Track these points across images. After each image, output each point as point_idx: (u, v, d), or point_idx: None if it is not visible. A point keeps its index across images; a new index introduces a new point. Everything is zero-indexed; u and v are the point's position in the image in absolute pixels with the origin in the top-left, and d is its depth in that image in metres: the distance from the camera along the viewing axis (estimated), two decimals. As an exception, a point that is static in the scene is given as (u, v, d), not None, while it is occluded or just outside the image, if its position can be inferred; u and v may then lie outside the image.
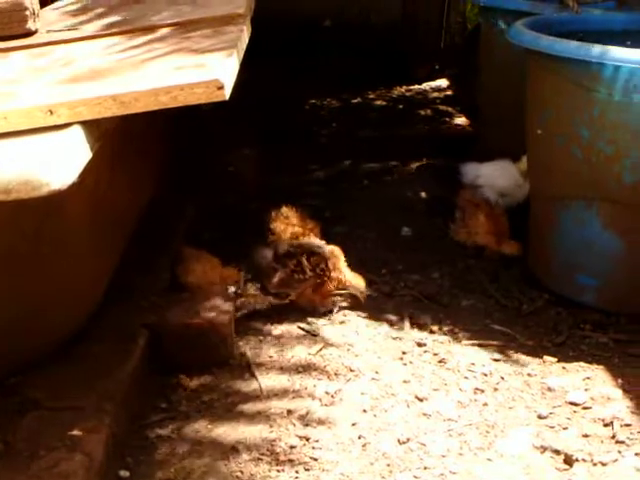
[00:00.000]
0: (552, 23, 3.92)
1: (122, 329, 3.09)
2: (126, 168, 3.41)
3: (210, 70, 2.48)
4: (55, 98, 2.34)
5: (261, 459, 2.72)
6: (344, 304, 3.58)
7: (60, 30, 3.47)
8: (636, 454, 2.74)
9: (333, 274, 3.50)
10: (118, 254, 3.34)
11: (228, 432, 2.85)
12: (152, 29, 3.33)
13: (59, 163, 2.07)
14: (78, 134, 2.26)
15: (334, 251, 3.56)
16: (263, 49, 5.77)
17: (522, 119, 3.85)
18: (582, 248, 3.56)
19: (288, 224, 3.77)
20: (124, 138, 3.11)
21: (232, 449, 2.76)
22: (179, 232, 3.97)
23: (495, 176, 4.35)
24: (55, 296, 2.75)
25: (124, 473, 2.65)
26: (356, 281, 3.59)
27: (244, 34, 3.08)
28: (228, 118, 5.31)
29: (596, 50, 3.26)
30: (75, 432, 2.55)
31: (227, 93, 2.38)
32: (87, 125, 2.31)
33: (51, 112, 2.28)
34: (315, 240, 3.60)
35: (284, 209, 3.83)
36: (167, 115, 2.81)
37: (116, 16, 3.67)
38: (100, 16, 3.72)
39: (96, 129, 2.36)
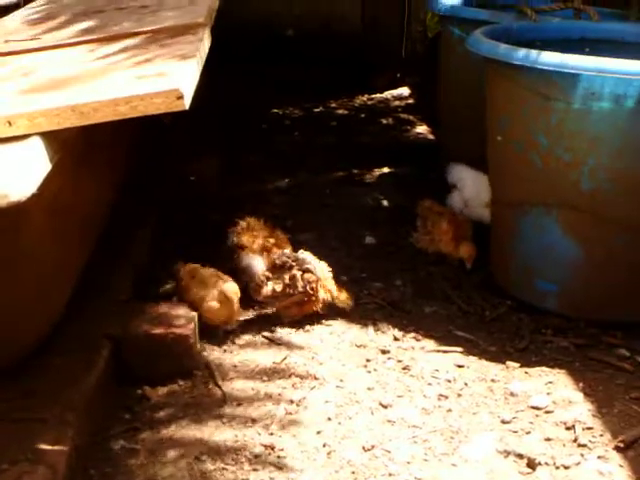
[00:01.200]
0: (510, 32, 3.96)
1: (85, 340, 3.07)
2: (88, 177, 3.40)
3: (170, 79, 2.48)
4: (14, 109, 2.32)
5: (226, 468, 2.71)
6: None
7: (20, 40, 3.45)
8: (598, 457, 2.77)
9: (321, 294, 3.51)
10: (81, 264, 3.32)
11: (192, 442, 2.85)
12: (113, 39, 3.32)
13: (18, 175, 2.06)
14: (37, 145, 2.25)
15: (324, 270, 3.56)
16: (225, 58, 5.79)
17: (482, 127, 3.89)
18: (542, 254, 3.60)
19: (255, 236, 3.76)
20: (86, 147, 3.10)
21: (196, 459, 2.76)
22: (143, 241, 3.96)
23: (469, 184, 4.35)
24: (18, 307, 2.72)
25: (88, 485, 2.64)
26: (343, 297, 3.59)
27: (204, 43, 3.09)
28: (190, 127, 5.30)
29: (554, 58, 3.31)
30: (38, 445, 2.52)
31: (187, 103, 2.38)
32: (46, 136, 2.30)
33: (10, 123, 2.26)
34: (307, 255, 3.58)
35: (249, 220, 3.82)
36: (130, 124, 2.80)
37: (77, 26, 3.66)
38: (61, 26, 3.71)
39: (55, 140, 2.35)
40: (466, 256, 3.95)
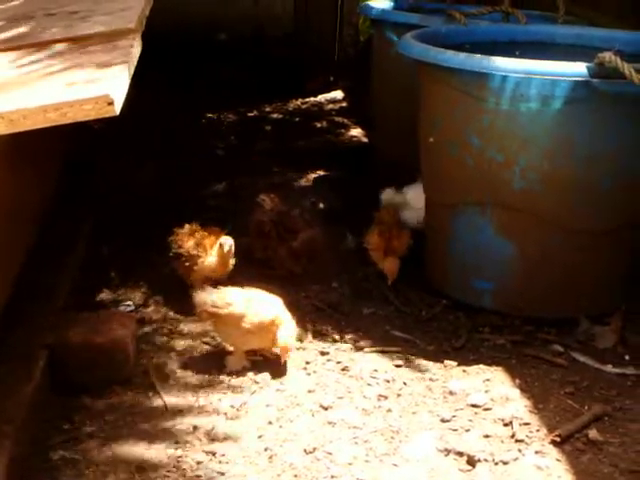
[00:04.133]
0: (441, 35, 4.01)
1: (22, 350, 3.03)
2: (19, 184, 3.36)
3: (100, 86, 2.45)
4: (-57, 117, 2.28)
5: (168, 476, 2.70)
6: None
7: (-53, 48, 3.38)
8: (536, 452, 2.82)
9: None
10: (14, 273, 3.27)
11: (134, 451, 2.83)
12: (43, 45, 3.28)
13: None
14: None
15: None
16: (156, 64, 5.75)
17: (415, 129, 3.93)
18: (477, 253, 3.65)
19: (193, 238, 3.75)
20: (16, 155, 3.06)
21: (138, 468, 2.74)
22: (78, 249, 3.92)
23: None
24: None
25: (28, 497, 2.61)
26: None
27: (135, 49, 3.06)
28: (124, 133, 5.26)
29: (483, 61, 3.36)
30: (-25, 458, 2.49)
31: (117, 108, 2.36)
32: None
33: (-61, 131, 2.22)
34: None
35: (187, 226, 3.80)
36: (62, 130, 2.77)
37: (5, 32, 3.60)
38: (-12, 33, 3.64)
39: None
40: (388, 272, 3.94)
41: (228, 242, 3.66)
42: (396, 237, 3.97)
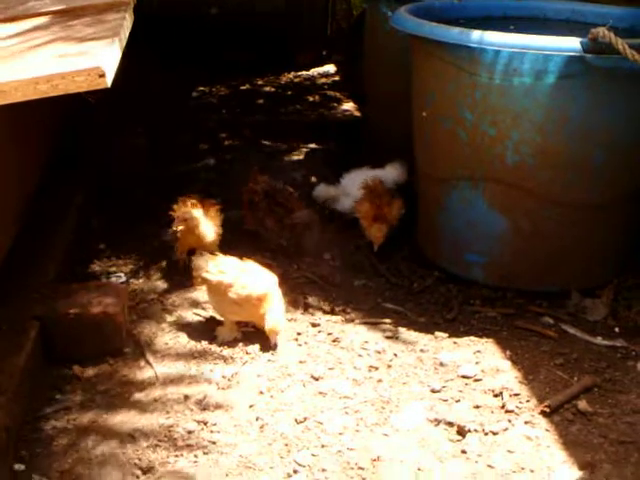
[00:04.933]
0: (434, 9, 4.00)
1: (13, 322, 3.03)
2: (10, 157, 3.35)
3: (92, 58, 2.44)
4: None
5: (159, 445, 2.72)
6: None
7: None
8: (525, 422, 2.84)
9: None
10: (4, 246, 3.27)
11: (125, 420, 2.84)
12: (34, 16, 3.26)
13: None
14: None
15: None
16: (148, 38, 5.72)
17: (408, 103, 3.92)
18: (469, 227, 3.66)
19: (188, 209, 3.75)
20: (7, 126, 3.05)
21: (129, 437, 2.75)
22: (69, 222, 3.91)
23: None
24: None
25: (19, 467, 2.61)
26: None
27: (127, 22, 3.04)
28: (116, 107, 5.24)
29: (476, 35, 3.35)
30: (-33, 427, 2.50)
31: (109, 81, 2.35)
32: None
33: None
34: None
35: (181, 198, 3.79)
36: (54, 102, 2.76)
37: (-4, 3, 3.58)
38: (-22, 3, 3.62)
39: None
40: (373, 238, 3.95)
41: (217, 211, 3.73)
42: (387, 205, 3.97)
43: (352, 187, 4.29)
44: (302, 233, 3.99)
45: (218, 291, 3.28)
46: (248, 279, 3.28)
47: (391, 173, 4.38)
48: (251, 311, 3.26)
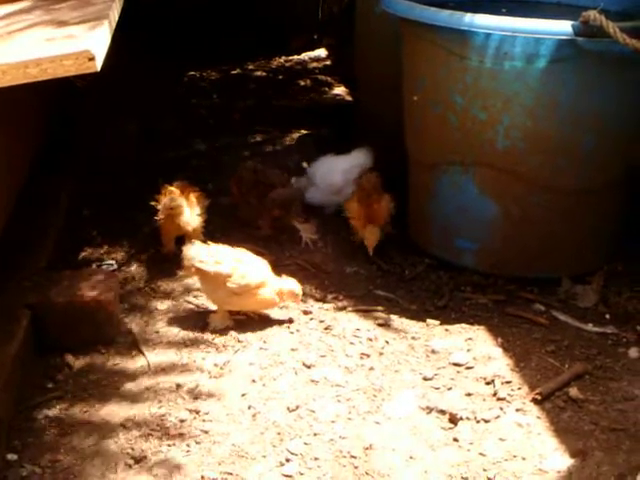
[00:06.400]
0: (425, -8, 3.97)
1: (4, 310, 3.02)
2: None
3: (81, 41, 2.42)
4: None
5: (151, 434, 2.72)
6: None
7: None
8: (517, 410, 2.85)
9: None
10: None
11: (117, 410, 2.84)
12: (16, 0, 3.23)
13: None
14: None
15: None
16: (139, 22, 5.68)
17: (399, 88, 3.90)
18: (459, 212, 3.65)
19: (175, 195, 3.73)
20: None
21: (121, 426, 2.75)
22: (60, 209, 3.89)
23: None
24: None
25: (12, 457, 2.61)
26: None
27: (116, 4, 3.02)
28: (105, 92, 5.21)
29: (467, 18, 3.33)
30: (-42, 418, 2.49)
31: (98, 65, 2.34)
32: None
33: None
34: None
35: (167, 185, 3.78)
36: (43, 87, 2.74)
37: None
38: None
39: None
40: (367, 243, 3.84)
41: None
42: (376, 202, 3.88)
43: (317, 177, 4.29)
44: (283, 209, 3.99)
45: (215, 282, 3.26)
46: (246, 268, 3.27)
47: (357, 159, 4.34)
48: (249, 299, 3.26)
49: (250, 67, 7.05)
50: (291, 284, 3.34)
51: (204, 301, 3.45)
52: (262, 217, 3.98)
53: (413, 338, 3.27)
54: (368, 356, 3.14)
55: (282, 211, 3.96)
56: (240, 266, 3.26)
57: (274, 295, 3.29)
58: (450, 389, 2.96)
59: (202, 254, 3.29)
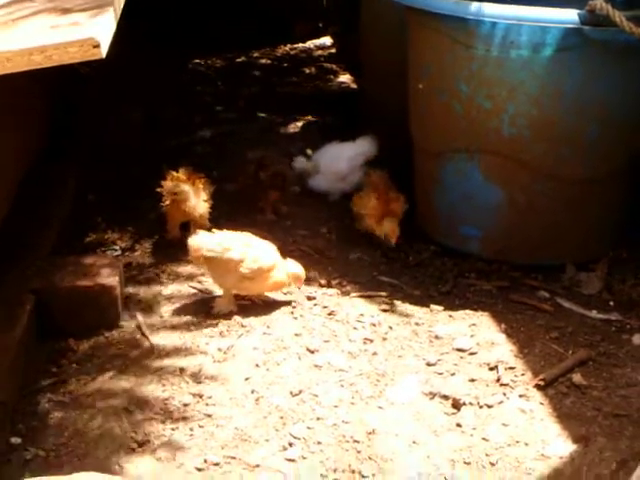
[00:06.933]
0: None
1: (8, 295, 3.03)
2: (4, 128, 3.33)
3: (86, 28, 2.42)
4: None
5: (155, 418, 2.73)
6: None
7: None
8: (520, 395, 2.85)
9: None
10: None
11: (121, 393, 2.85)
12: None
13: None
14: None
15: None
16: (143, 11, 5.67)
17: (404, 75, 3.90)
18: (465, 199, 3.66)
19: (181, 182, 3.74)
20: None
21: (125, 410, 2.76)
22: (65, 195, 3.90)
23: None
24: None
25: (15, 440, 2.63)
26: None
27: (122, -8, 3.02)
28: (110, 80, 5.20)
29: (473, 7, 3.33)
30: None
31: (104, 52, 2.33)
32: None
33: None
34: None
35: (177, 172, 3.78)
36: (47, 75, 2.74)
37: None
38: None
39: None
40: (389, 233, 3.79)
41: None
42: (394, 200, 3.85)
43: (322, 164, 4.30)
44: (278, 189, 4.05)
45: (226, 268, 3.26)
46: (256, 252, 3.28)
47: (362, 147, 4.34)
48: (262, 284, 3.29)
49: (255, 55, 7.03)
50: (295, 267, 3.36)
51: (208, 286, 3.46)
52: (262, 199, 3.99)
53: (417, 324, 3.27)
54: (371, 341, 3.15)
55: (279, 191, 3.98)
56: (250, 250, 3.26)
57: (285, 277, 3.30)
58: (453, 374, 2.97)
59: (209, 242, 3.28)
